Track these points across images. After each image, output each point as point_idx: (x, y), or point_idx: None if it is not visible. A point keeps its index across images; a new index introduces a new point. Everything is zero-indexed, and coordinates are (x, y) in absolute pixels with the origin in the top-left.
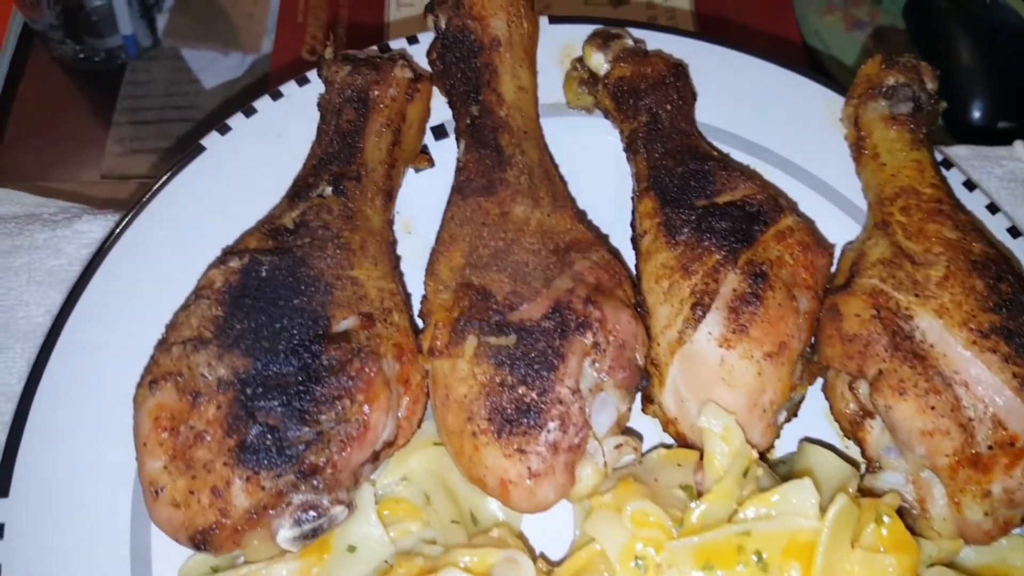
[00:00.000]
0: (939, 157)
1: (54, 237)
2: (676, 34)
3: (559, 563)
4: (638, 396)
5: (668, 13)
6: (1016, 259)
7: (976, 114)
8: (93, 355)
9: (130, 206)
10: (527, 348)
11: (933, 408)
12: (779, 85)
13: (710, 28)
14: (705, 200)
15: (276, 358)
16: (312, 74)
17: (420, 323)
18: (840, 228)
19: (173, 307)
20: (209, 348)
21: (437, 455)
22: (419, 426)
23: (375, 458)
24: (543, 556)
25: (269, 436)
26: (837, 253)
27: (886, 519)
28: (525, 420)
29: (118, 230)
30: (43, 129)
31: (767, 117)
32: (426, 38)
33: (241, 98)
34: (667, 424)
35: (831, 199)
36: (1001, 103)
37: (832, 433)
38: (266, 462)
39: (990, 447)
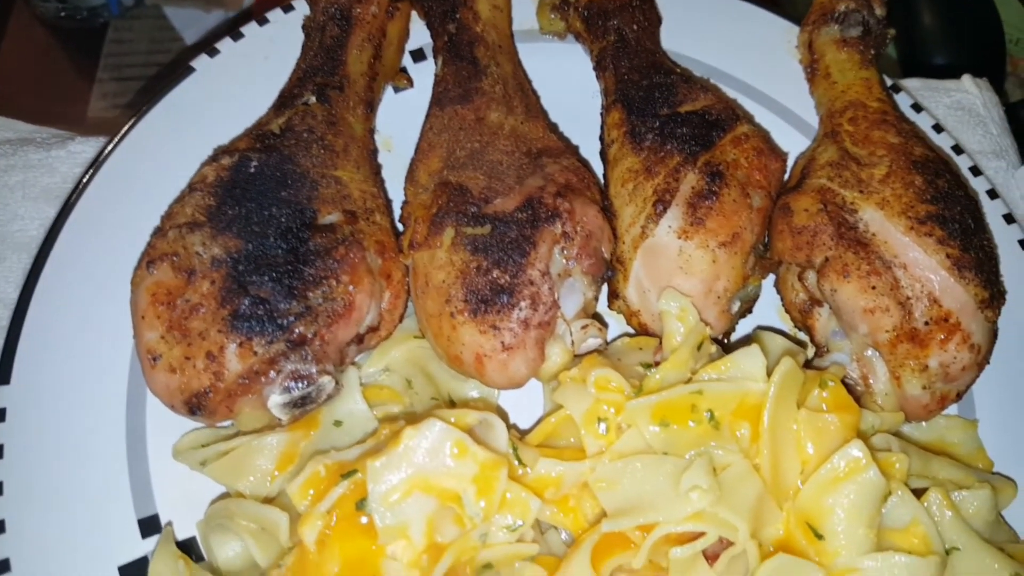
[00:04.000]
0: (889, 83)
1: (48, 157)
2: None
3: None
4: (604, 294)
5: None
6: (955, 163)
7: (937, 60)
8: (88, 257)
9: (121, 125)
10: (501, 236)
11: (874, 288)
12: (739, 15)
13: None
14: (668, 110)
15: (266, 241)
16: (298, 1)
17: (401, 228)
18: (793, 143)
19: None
20: (203, 230)
21: (417, 347)
22: (400, 321)
23: (360, 340)
24: (515, 426)
25: (261, 307)
26: (791, 164)
27: (830, 384)
28: (499, 299)
29: (111, 145)
30: (25, 87)
31: (727, 45)
32: None
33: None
34: (631, 317)
35: (786, 118)
36: (957, 49)
37: (786, 330)
38: (258, 329)
39: (927, 323)
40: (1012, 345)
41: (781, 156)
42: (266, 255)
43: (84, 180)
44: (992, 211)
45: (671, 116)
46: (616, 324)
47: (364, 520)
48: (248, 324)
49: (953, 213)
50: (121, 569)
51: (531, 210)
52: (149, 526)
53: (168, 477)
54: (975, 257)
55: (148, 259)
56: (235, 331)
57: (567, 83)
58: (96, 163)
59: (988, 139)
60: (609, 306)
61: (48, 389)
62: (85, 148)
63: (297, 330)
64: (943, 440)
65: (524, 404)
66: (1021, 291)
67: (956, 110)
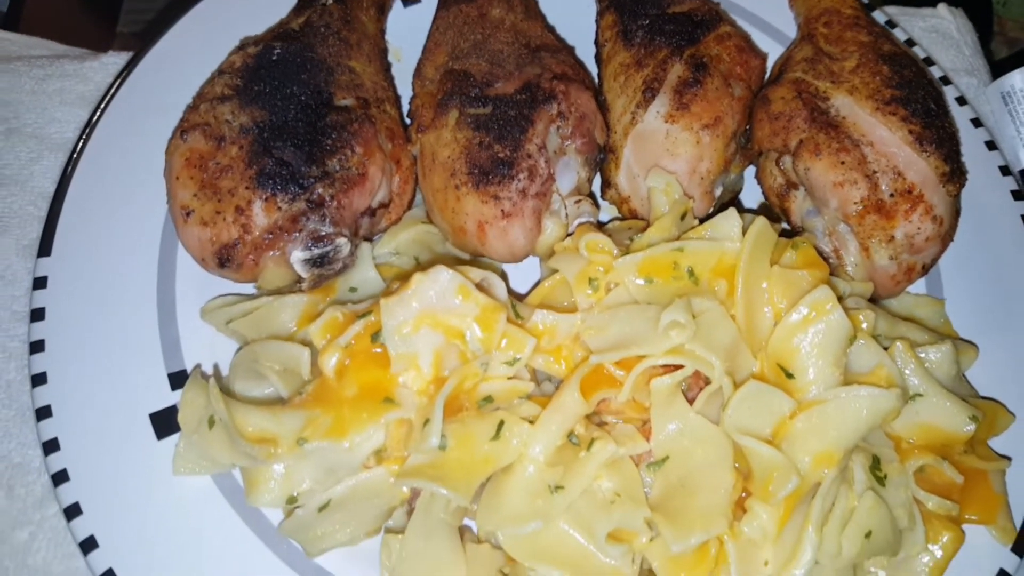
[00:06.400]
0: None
1: (83, 68)
2: None
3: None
4: (598, 187)
5: None
6: (922, 61)
7: None
8: (122, 145)
9: (150, 36)
10: (501, 115)
11: (843, 163)
12: None
13: None
14: (657, 11)
15: (288, 115)
16: None
17: (410, 123)
18: (773, 54)
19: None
20: (232, 102)
21: (424, 231)
22: (409, 207)
23: (372, 214)
24: (514, 292)
25: (284, 168)
26: (770, 67)
27: (801, 245)
28: (499, 171)
29: (143, 51)
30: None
31: None
32: None
33: None
34: (622, 204)
35: (767, 32)
36: None
37: None
38: (281, 187)
39: (892, 195)
40: (978, 231)
41: (761, 55)
42: (288, 126)
43: (120, 79)
44: (961, 116)
45: (660, 15)
46: (609, 216)
47: (378, 351)
48: (272, 182)
49: (916, 96)
50: (152, 416)
51: (529, 92)
52: (178, 380)
53: (196, 338)
54: (936, 134)
55: (182, 129)
56: (261, 187)
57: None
58: (130, 65)
59: (961, 59)
60: (602, 196)
61: (85, 260)
62: (117, 60)
63: (317, 191)
64: (912, 315)
65: (523, 282)
66: (986, 185)
67: (931, 32)
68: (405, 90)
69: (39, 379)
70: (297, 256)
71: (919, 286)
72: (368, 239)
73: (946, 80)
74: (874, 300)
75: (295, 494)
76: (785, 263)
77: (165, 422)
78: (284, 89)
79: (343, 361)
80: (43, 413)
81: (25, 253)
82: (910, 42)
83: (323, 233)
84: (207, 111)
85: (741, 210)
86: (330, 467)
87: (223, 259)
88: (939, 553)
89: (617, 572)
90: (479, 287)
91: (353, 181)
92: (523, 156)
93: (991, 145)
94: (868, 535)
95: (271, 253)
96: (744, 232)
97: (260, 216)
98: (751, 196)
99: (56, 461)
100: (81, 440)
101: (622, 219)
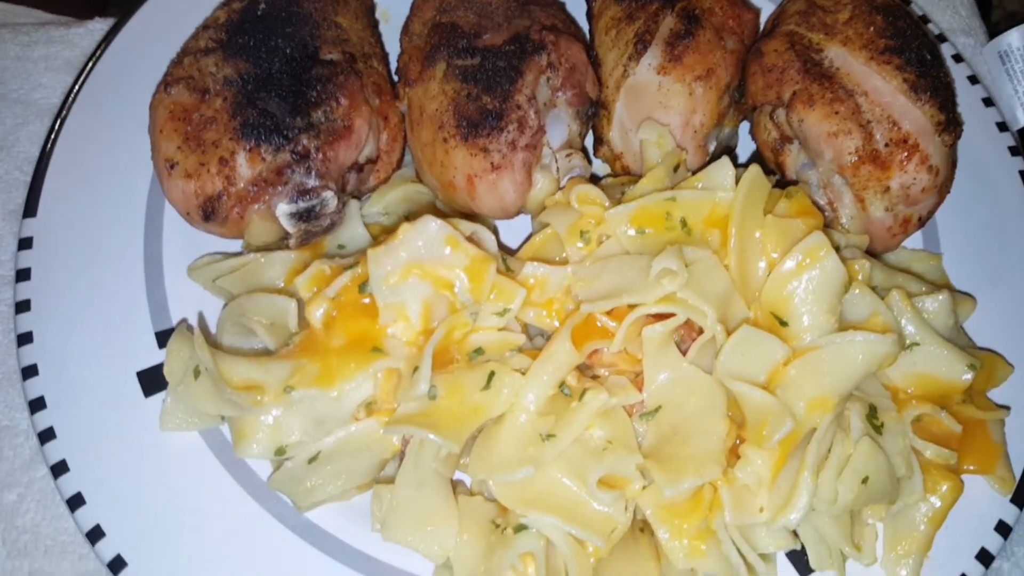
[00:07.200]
0: None
1: (69, 34)
2: None
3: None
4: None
5: None
6: (917, 16)
7: None
8: (107, 109)
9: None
10: (490, 66)
11: (837, 113)
12: None
13: None
14: None
15: (272, 67)
16: None
17: (398, 80)
18: (767, 10)
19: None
20: (216, 54)
21: (414, 191)
22: (398, 166)
23: (359, 169)
24: (505, 246)
25: (268, 119)
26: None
27: (795, 195)
28: (488, 123)
29: (127, 16)
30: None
31: None
32: None
33: None
34: (615, 161)
35: None
36: None
37: None
38: (265, 137)
39: (887, 144)
40: (975, 187)
41: (753, 9)
42: (272, 78)
43: (105, 42)
44: (958, 75)
45: None
46: (602, 174)
47: (367, 302)
48: (256, 132)
49: (910, 46)
50: (139, 374)
51: (518, 44)
52: (165, 338)
53: (183, 296)
54: (931, 83)
55: (165, 83)
56: (244, 138)
57: None
58: (114, 29)
59: (957, 19)
60: (595, 153)
61: (71, 220)
62: (103, 26)
63: (301, 142)
64: (909, 269)
65: (514, 241)
66: (983, 141)
67: None
68: (394, 51)
69: (25, 338)
70: (283, 209)
71: (916, 241)
72: (356, 197)
73: (942, 38)
74: (871, 254)
75: (284, 445)
76: (779, 213)
77: (152, 380)
78: (269, 42)
79: (330, 312)
80: (29, 372)
81: (11, 218)
82: (906, 1)
83: (309, 186)
84: (191, 64)
85: (735, 164)
86: (319, 418)
87: (208, 212)
88: (937, 503)
89: (609, 518)
90: (469, 239)
91: (338, 133)
92: (512, 107)
93: (988, 102)
94: (865, 481)
95: (256, 206)
96: (737, 181)
97: (244, 167)
98: (745, 154)
99: (42, 419)
100: (67, 398)
101: (615, 176)
